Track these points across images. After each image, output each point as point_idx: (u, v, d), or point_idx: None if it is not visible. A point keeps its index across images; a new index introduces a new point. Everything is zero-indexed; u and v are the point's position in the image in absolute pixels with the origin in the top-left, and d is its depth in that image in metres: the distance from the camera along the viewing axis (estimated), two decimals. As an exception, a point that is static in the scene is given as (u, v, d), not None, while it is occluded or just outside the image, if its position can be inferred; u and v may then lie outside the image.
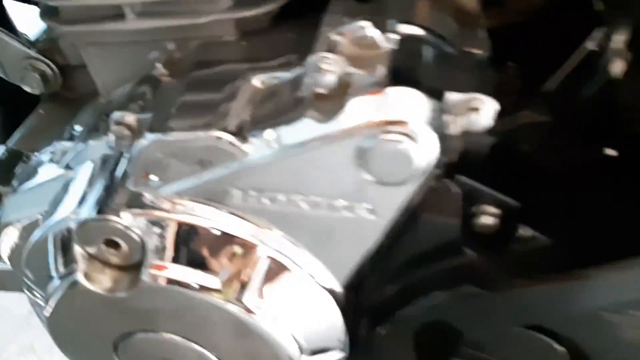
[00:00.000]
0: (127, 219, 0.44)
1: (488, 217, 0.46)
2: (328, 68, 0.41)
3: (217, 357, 0.49)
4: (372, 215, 0.44)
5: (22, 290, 0.74)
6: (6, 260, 0.62)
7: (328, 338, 0.50)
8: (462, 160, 0.45)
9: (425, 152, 0.40)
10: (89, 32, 0.52)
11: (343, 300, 0.50)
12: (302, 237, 0.46)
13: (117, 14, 0.50)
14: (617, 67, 0.43)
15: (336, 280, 0.49)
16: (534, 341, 0.46)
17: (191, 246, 0.45)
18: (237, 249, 0.46)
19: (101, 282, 0.46)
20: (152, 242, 0.45)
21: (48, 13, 0.53)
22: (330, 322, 0.50)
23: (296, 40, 0.50)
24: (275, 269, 0.47)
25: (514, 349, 0.47)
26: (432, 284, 0.48)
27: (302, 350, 0.49)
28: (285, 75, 0.46)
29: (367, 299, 0.51)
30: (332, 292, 0.49)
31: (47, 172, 0.56)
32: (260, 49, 0.51)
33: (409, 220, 0.45)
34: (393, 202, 0.43)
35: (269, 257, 0.46)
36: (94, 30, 0.51)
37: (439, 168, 0.43)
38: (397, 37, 0.43)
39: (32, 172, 0.58)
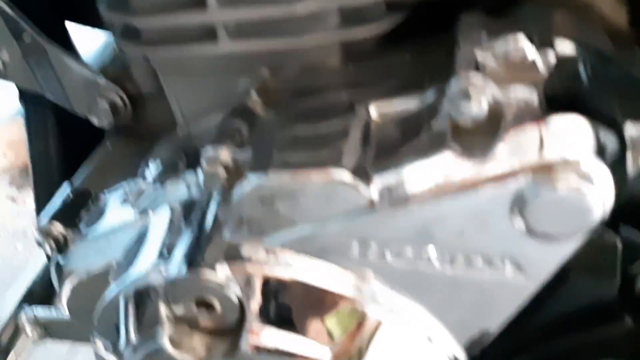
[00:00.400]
0: (223, 275, 0.37)
1: (656, 278, 0.38)
2: (475, 93, 0.33)
3: None
4: (519, 276, 0.36)
5: (82, 340, 0.68)
6: (66, 309, 0.56)
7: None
8: (628, 207, 0.37)
9: (601, 198, 0.32)
10: (174, 56, 0.45)
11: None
12: (427, 299, 0.38)
13: (208, 35, 0.43)
14: None
15: (460, 348, 0.41)
16: None
17: (299, 308, 0.38)
18: (352, 313, 0.38)
19: (190, 350, 0.39)
20: (252, 303, 0.37)
21: (127, 35, 0.47)
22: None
23: (410, 63, 0.43)
24: (394, 341, 0.39)
25: None
26: (574, 357, 0.40)
27: None
28: (410, 102, 0.38)
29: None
30: (456, 361, 0.41)
31: (118, 215, 0.50)
32: (369, 73, 0.44)
33: (555, 284, 0.37)
34: (550, 259, 0.35)
35: (387, 325, 0.38)
36: (180, 54, 0.45)
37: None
38: (553, 53, 0.35)
39: (101, 215, 0.51)
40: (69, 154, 0.67)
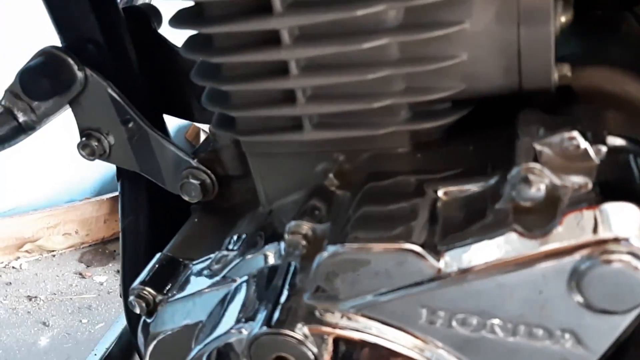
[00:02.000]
0: (301, 334, 0.41)
1: None
2: (534, 179, 0.38)
3: None
4: (579, 348, 0.39)
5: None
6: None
7: None
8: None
9: (652, 276, 0.35)
10: (264, 142, 0.52)
11: None
12: (490, 367, 0.41)
13: (295, 126, 0.50)
14: None
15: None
16: None
17: (370, 369, 0.41)
18: (420, 377, 0.41)
19: (267, 405, 0.43)
20: (327, 362, 0.41)
21: (223, 124, 0.54)
22: None
23: (473, 153, 0.48)
24: (458, 403, 0.42)
25: None
26: None
27: None
28: (474, 186, 0.43)
29: None
30: None
31: (203, 282, 0.55)
32: (436, 160, 0.49)
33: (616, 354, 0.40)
34: (608, 332, 0.38)
35: (452, 388, 0.41)
36: (270, 140, 0.52)
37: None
38: (605, 148, 0.40)
39: (188, 282, 0.57)
40: (157, 227, 0.74)
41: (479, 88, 0.47)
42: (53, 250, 2.58)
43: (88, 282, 2.39)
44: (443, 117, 0.49)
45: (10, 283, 2.38)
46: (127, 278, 0.73)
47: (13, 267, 2.48)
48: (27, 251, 2.54)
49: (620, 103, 0.48)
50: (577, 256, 0.36)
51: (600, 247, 0.36)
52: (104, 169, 2.84)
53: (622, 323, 0.37)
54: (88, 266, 2.48)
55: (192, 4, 0.50)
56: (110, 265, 2.48)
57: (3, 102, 0.67)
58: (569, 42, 0.55)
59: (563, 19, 0.45)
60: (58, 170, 2.71)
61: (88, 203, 2.71)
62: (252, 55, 0.47)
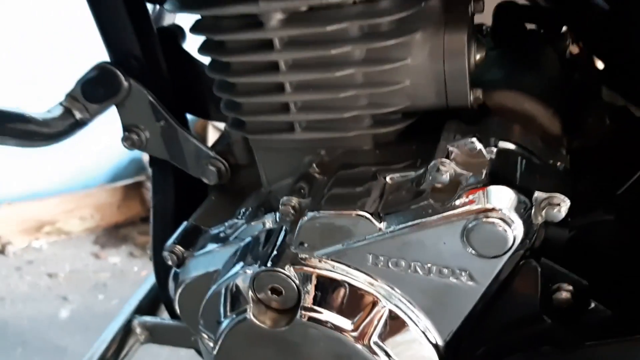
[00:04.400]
0: (290, 272, 0.61)
1: (564, 293, 0.59)
2: (443, 169, 0.57)
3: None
4: (471, 282, 0.58)
5: (178, 344, 0.92)
6: (178, 312, 0.79)
7: (430, 386, 0.63)
8: (545, 246, 0.59)
9: (513, 233, 0.54)
10: (266, 140, 0.71)
11: (443, 356, 0.63)
12: (416, 297, 0.60)
13: (289, 128, 0.69)
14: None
15: (440, 336, 0.62)
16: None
17: (333, 295, 0.61)
18: (366, 301, 0.60)
19: (264, 321, 0.62)
20: (305, 291, 0.61)
21: (235, 125, 0.74)
22: (433, 372, 0.62)
23: (416, 151, 0.67)
24: (394, 321, 0.61)
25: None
26: (517, 345, 0.60)
27: (410, 393, 0.62)
28: (410, 174, 0.62)
29: (462, 358, 0.63)
30: (436, 346, 0.62)
31: (219, 242, 0.74)
32: (389, 155, 0.68)
33: (499, 293, 0.59)
34: (489, 271, 0.57)
35: (390, 310, 0.61)
36: (270, 139, 0.71)
37: (525, 248, 0.57)
38: (495, 149, 0.59)
39: (207, 242, 0.76)
40: (181, 204, 0.92)
41: (419, 105, 0.66)
42: (70, 233, 2.76)
43: (103, 262, 2.58)
44: (395, 124, 0.68)
45: (32, 262, 2.57)
46: (157, 244, 0.92)
47: (34, 247, 2.67)
48: (46, 233, 2.73)
49: (520, 117, 0.67)
50: (467, 218, 0.55)
51: (483, 213, 0.55)
52: (117, 158, 3.02)
53: (497, 264, 0.56)
54: (103, 248, 2.67)
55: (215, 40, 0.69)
56: (123, 247, 2.67)
57: (64, 103, 0.86)
58: (495, 70, 0.74)
59: (478, 57, 0.64)
60: (74, 158, 2.86)
61: (103, 190, 2.88)
62: (258, 78, 0.66)
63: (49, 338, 2.06)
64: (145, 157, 3.06)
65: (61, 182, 2.87)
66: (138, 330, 0.90)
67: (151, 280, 0.99)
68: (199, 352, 0.92)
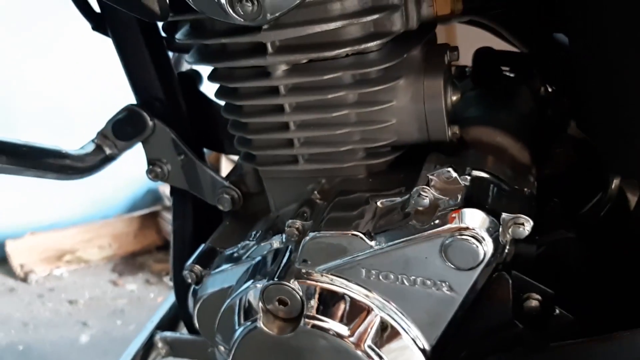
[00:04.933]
0: (294, 285, 0.70)
1: (533, 301, 0.68)
2: (424, 195, 0.67)
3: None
4: (451, 292, 0.67)
5: (197, 357, 1.01)
6: (197, 325, 0.89)
7: (419, 386, 0.71)
8: (516, 261, 0.68)
9: (484, 249, 0.64)
10: (274, 170, 0.82)
11: (430, 358, 0.72)
12: (405, 306, 0.70)
13: (294, 161, 0.79)
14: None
15: (427, 342, 0.71)
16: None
17: (332, 305, 0.70)
18: (361, 310, 0.70)
19: (272, 329, 0.72)
20: (309, 301, 0.70)
21: (247, 158, 0.84)
22: (421, 373, 0.71)
23: (404, 179, 0.77)
24: (387, 328, 0.70)
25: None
26: (494, 347, 0.69)
27: (401, 392, 0.71)
28: (397, 199, 0.72)
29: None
30: (424, 351, 0.71)
31: (233, 261, 0.84)
32: (381, 183, 0.78)
33: (477, 302, 0.68)
34: (465, 282, 0.66)
35: (382, 318, 0.70)
36: (277, 169, 0.81)
37: (497, 262, 0.66)
38: (469, 177, 0.69)
39: (222, 262, 0.86)
40: (198, 228, 1.03)
41: (405, 139, 0.76)
42: (89, 261, 2.87)
43: (120, 289, 2.68)
44: (385, 156, 0.78)
45: (53, 289, 2.68)
46: (177, 265, 1.02)
47: (55, 275, 2.78)
48: (67, 261, 2.84)
49: (492, 149, 0.76)
50: (444, 236, 0.65)
51: (458, 232, 0.64)
52: (134, 189, 3.14)
53: (472, 276, 0.65)
54: (120, 275, 2.77)
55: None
56: (140, 275, 2.77)
57: (96, 140, 0.97)
58: (473, 108, 0.84)
59: (454, 98, 0.75)
60: (93, 189, 2.98)
61: (120, 220, 3.00)
62: (266, 118, 0.77)
63: (70, 362, 2.16)
64: (161, 188, 3.19)
65: (80, 213, 2.99)
66: (159, 344, 0.99)
67: (171, 299, 1.08)
68: (215, 364, 1.01)
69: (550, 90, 0.89)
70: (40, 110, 2.64)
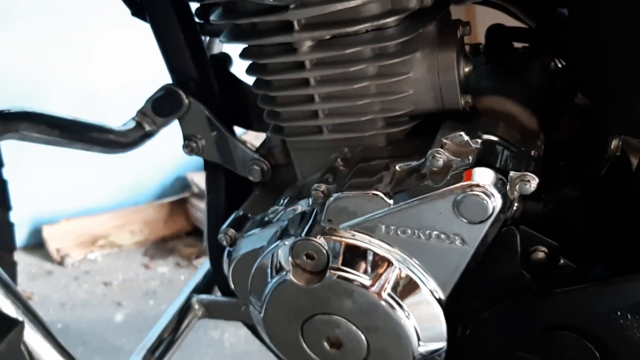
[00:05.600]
0: (321, 241, 0.78)
1: (539, 253, 0.74)
2: (438, 157, 0.74)
3: (364, 335, 0.78)
4: (464, 245, 0.74)
5: (231, 319, 1.08)
6: (232, 285, 0.96)
7: (435, 333, 0.78)
8: (524, 217, 0.74)
9: (493, 204, 0.70)
10: (300, 141, 0.89)
11: (446, 308, 0.78)
12: (422, 259, 0.76)
13: (319, 131, 0.86)
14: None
15: (442, 292, 0.78)
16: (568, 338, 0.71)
17: (355, 258, 0.77)
18: (381, 262, 0.77)
19: (300, 280, 0.79)
20: (333, 255, 0.77)
21: (276, 130, 0.91)
22: (437, 321, 0.78)
23: (420, 146, 0.83)
24: (405, 280, 0.77)
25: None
26: (504, 296, 0.76)
27: (419, 337, 0.77)
28: (414, 163, 0.79)
29: (462, 310, 0.79)
30: (439, 300, 0.78)
31: (263, 225, 0.92)
32: (400, 150, 0.84)
33: (487, 255, 0.74)
34: (476, 235, 0.72)
35: (401, 270, 0.77)
36: (303, 140, 0.88)
37: (504, 217, 0.72)
38: (480, 141, 0.75)
39: (253, 226, 0.93)
40: (231, 199, 1.10)
41: (421, 109, 0.83)
42: (122, 246, 2.98)
43: (152, 272, 2.78)
44: (403, 125, 0.84)
45: (88, 272, 2.79)
46: (211, 233, 1.10)
47: (89, 259, 2.89)
48: (100, 246, 2.96)
49: (503, 116, 0.83)
50: (457, 193, 0.71)
51: (469, 188, 0.71)
52: (163, 177, 3.24)
53: (483, 229, 0.72)
54: (152, 259, 2.88)
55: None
56: (170, 258, 2.87)
57: (136, 118, 1.05)
58: (485, 80, 0.90)
59: (466, 69, 0.81)
60: (124, 177, 3.09)
61: (150, 206, 3.10)
62: (293, 91, 0.84)
63: (106, 338, 2.26)
64: (189, 175, 3.28)
65: (112, 200, 3.10)
66: (196, 306, 1.07)
67: (206, 266, 1.17)
68: (246, 325, 1.09)
69: (559, 65, 0.95)
70: (70, 101, 2.74)
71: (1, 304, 0.76)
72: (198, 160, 1.07)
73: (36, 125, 0.87)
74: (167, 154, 3.07)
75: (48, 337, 0.79)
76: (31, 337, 0.77)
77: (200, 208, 2.93)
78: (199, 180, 2.98)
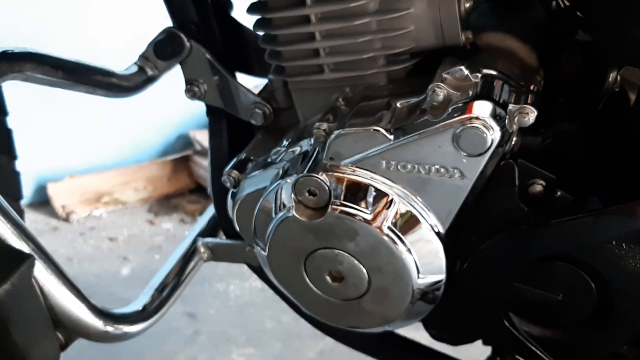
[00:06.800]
0: (322, 177, 0.79)
1: (537, 186, 0.75)
2: (438, 91, 0.74)
3: (365, 268, 0.80)
4: (462, 178, 0.75)
5: (235, 261, 1.11)
6: (237, 227, 0.98)
7: (435, 266, 0.80)
8: (523, 151, 0.75)
9: (492, 136, 0.71)
10: (302, 81, 0.89)
11: (445, 242, 0.80)
12: (421, 194, 0.78)
13: (320, 70, 0.87)
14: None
15: (441, 225, 0.79)
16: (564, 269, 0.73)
17: (356, 193, 0.78)
18: (381, 197, 0.78)
19: (302, 216, 0.81)
20: (334, 191, 0.78)
21: (278, 71, 0.92)
22: (436, 255, 0.80)
23: (421, 83, 0.84)
24: (406, 214, 0.78)
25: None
26: (503, 227, 0.77)
27: (419, 271, 0.79)
28: (415, 99, 0.79)
29: (460, 244, 0.81)
30: (438, 234, 0.80)
31: (266, 165, 0.93)
32: (399, 88, 0.85)
33: (486, 188, 0.76)
34: (475, 168, 0.73)
35: (401, 204, 0.78)
36: (305, 80, 0.89)
37: (503, 150, 0.73)
38: (479, 75, 0.75)
39: (256, 167, 0.95)
40: (233, 144, 1.11)
41: (422, 45, 0.83)
42: (126, 202, 3.01)
43: (157, 228, 2.81)
44: (404, 62, 0.84)
45: (94, 228, 2.82)
46: (215, 178, 1.11)
47: (94, 216, 2.92)
48: (105, 203, 2.98)
49: (503, 52, 0.83)
50: (456, 126, 0.72)
51: (468, 121, 0.72)
52: (166, 135, 3.25)
53: (481, 162, 0.73)
54: (156, 216, 2.90)
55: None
56: (175, 215, 2.89)
57: (138, 62, 1.05)
58: (486, 17, 0.90)
59: (467, 5, 0.81)
60: (127, 135, 3.09)
61: (154, 164, 3.11)
62: (294, 29, 0.84)
63: (113, 291, 2.31)
64: (191, 133, 3.28)
65: (116, 157, 3.11)
66: (202, 249, 1.09)
67: (210, 211, 1.18)
68: (250, 266, 1.11)
69: (562, 4, 0.94)
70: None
71: (11, 240, 0.78)
72: (200, 118, 1.08)
73: (40, 66, 0.87)
74: (170, 111, 3.08)
75: (57, 272, 0.81)
76: (41, 271, 0.80)
77: (202, 165, 2.95)
78: (202, 138, 2.98)
